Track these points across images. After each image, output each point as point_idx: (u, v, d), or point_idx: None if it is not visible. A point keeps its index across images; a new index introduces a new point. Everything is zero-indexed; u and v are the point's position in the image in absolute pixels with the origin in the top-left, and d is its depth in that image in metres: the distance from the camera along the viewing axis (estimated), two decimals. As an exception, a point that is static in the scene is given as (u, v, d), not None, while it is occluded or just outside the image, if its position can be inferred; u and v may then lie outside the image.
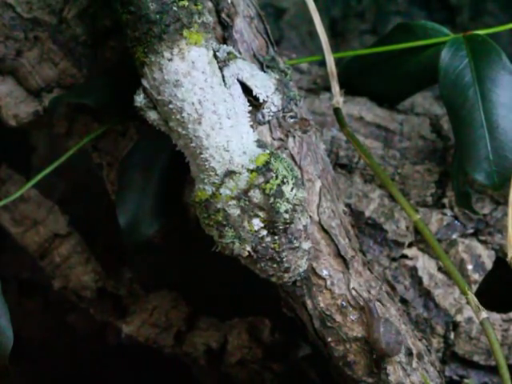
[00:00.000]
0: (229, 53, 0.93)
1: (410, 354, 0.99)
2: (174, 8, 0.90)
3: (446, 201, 1.13)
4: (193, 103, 0.89)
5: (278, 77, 0.96)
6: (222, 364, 1.18)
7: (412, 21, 1.40)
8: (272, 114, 0.95)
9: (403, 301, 1.10)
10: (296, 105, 0.99)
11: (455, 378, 1.11)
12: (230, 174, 0.89)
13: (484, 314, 0.95)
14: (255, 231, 0.89)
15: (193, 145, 0.90)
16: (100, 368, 1.32)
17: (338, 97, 1.07)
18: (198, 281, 1.19)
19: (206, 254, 1.17)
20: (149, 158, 1.02)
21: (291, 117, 1.00)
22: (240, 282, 1.09)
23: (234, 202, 0.89)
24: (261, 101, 0.94)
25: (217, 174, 0.89)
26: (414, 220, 1.00)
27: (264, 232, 0.89)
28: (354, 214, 1.11)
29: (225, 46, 0.94)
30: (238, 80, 0.93)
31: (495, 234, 1.12)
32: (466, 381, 1.11)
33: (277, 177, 0.88)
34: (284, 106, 0.96)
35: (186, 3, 0.91)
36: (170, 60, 0.90)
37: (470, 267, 1.11)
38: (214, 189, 0.89)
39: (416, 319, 1.11)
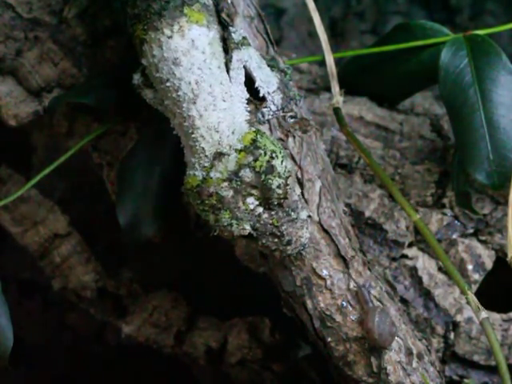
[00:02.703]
0: (244, 38, 0.93)
1: (410, 353, 0.99)
2: None
3: (446, 201, 1.13)
4: (190, 83, 0.89)
5: (279, 76, 0.96)
6: (222, 364, 1.18)
7: (412, 21, 1.40)
8: (272, 113, 0.95)
9: (403, 301, 1.10)
10: (296, 105, 0.99)
11: (455, 378, 1.11)
12: (219, 156, 0.89)
13: (484, 313, 0.95)
14: (251, 210, 0.89)
15: (186, 124, 0.90)
16: (100, 368, 1.32)
17: (337, 96, 1.07)
18: (198, 281, 1.19)
19: (206, 254, 1.17)
20: (149, 158, 1.02)
21: (291, 117, 1.00)
22: (240, 282, 1.09)
23: (225, 184, 0.89)
24: (261, 95, 0.94)
25: (206, 156, 0.89)
26: (414, 220, 1.00)
27: (260, 209, 0.89)
28: (354, 214, 1.11)
29: (242, 30, 0.94)
30: (245, 68, 0.93)
31: (495, 234, 1.12)
32: (465, 381, 1.11)
33: (265, 153, 0.88)
34: (284, 106, 0.96)
35: None
36: (169, 37, 0.89)
37: (470, 267, 1.11)
38: (204, 173, 0.89)
39: (416, 319, 1.11)
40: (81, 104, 1.05)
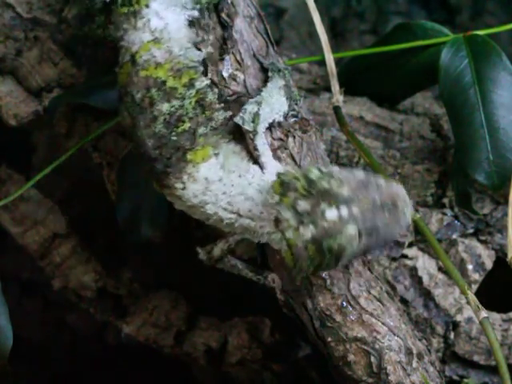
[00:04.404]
0: (255, 116, 0.93)
1: (409, 353, 0.99)
2: (173, 137, 0.89)
3: (446, 201, 1.13)
4: (224, 208, 0.90)
5: (284, 82, 0.97)
6: (222, 364, 1.18)
7: (412, 21, 1.40)
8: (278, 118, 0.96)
9: (403, 301, 1.10)
10: (296, 104, 0.99)
11: (455, 377, 1.11)
12: None
13: (484, 313, 0.95)
14: None
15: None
16: (100, 368, 1.32)
17: (337, 95, 1.07)
18: (198, 281, 1.19)
19: (206, 254, 1.17)
20: (149, 158, 1.02)
21: (292, 116, 1.00)
22: (240, 282, 1.09)
23: None
24: (276, 121, 0.96)
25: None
26: (414, 219, 1.00)
27: None
28: (354, 214, 1.11)
29: (248, 109, 0.93)
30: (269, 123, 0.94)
31: (495, 234, 1.12)
32: (465, 381, 1.10)
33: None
34: (290, 110, 0.97)
35: (188, 125, 0.89)
36: (183, 189, 0.89)
37: (470, 267, 1.11)
38: None
39: (416, 319, 1.11)
40: (81, 104, 1.05)
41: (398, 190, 0.88)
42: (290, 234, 0.87)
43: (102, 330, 1.24)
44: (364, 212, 0.86)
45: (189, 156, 0.89)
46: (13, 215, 1.18)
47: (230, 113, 0.92)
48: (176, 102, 0.89)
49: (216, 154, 0.90)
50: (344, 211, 0.86)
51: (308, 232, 0.86)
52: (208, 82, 0.92)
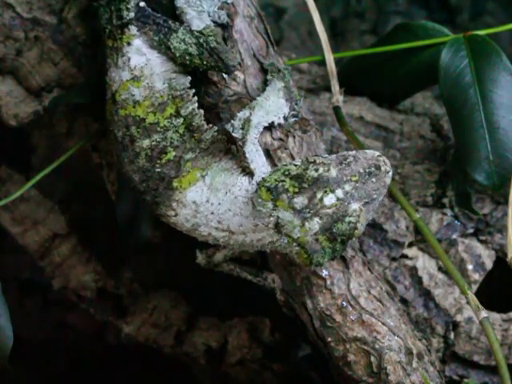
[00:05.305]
0: (245, 122, 0.94)
1: (409, 353, 0.99)
2: (157, 169, 0.91)
3: (446, 201, 1.13)
4: (215, 228, 0.92)
5: (283, 84, 0.97)
6: (222, 364, 1.18)
7: (412, 21, 1.40)
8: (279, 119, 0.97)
9: (403, 301, 1.10)
10: (296, 104, 0.99)
11: (455, 377, 1.11)
12: None
13: (484, 313, 0.95)
14: None
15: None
16: (100, 368, 1.32)
17: (337, 95, 1.08)
18: (198, 281, 1.19)
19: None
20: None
21: (292, 116, 1.00)
22: (240, 282, 1.09)
23: None
24: (276, 124, 0.96)
25: None
26: (414, 219, 1.00)
27: None
28: (354, 214, 1.11)
29: (240, 115, 0.94)
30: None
31: (495, 234, 1.12)
32: (465, 380, 1.10)
33: None
34: (290, 111, 0.97)
35: (172, 154, 0.91)
36: (175, 216, 0.92)
37: (470, 267, 1.11)
38: None
39: (416, 319, 1.11)
40: (81, 104, 1.05)
41: (373, 153, 0.91)
42: (297, 234, 0.88)
43: (102, 330, 1.24)
44: (356, 186, 0.88)
45: (174, 183, 0.91)
46: (13, 215, 1.18)
47: (215, 128, 0.93)
48: (157, 136, 0.91)
49: (203, 176, 0.92)
50: (339, 193, 0.87)
51: (315, 225, 0.87)
52: (194, 105, 0.93)
